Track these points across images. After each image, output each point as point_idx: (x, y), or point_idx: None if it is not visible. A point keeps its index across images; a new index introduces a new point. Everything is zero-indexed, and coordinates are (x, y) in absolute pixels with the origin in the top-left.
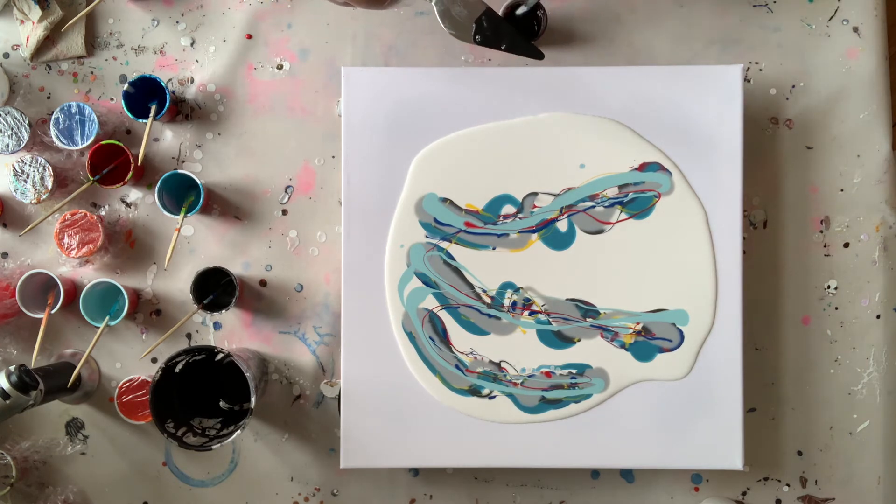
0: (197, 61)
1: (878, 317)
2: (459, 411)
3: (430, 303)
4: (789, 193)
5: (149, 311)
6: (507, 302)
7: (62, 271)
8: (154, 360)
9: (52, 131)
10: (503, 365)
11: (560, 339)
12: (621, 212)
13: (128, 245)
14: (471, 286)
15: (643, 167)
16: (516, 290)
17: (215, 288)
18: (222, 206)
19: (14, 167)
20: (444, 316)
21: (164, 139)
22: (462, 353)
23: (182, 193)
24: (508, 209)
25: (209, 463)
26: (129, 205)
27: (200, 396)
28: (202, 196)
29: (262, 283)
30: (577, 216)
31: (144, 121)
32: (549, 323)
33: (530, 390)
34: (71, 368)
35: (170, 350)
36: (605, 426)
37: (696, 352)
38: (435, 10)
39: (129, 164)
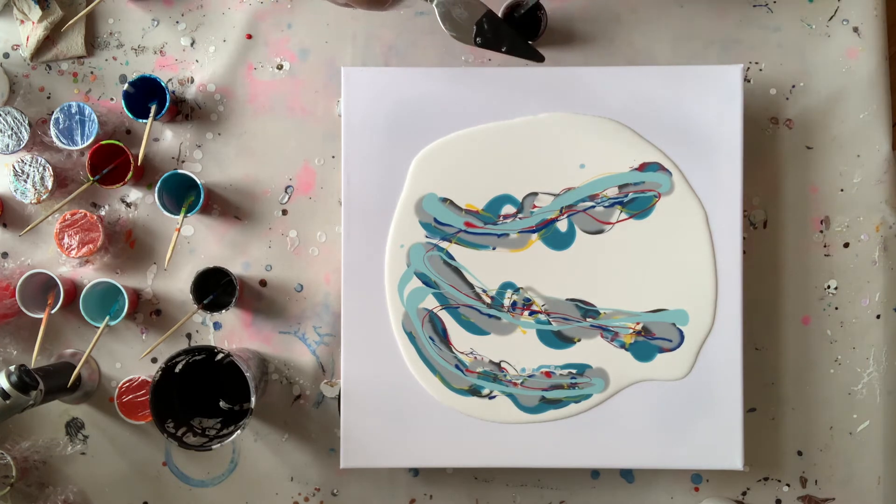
0: (197, 61)
1: (878, 317)
2: (459, 411)
3: (430, 303)
4: (789, 193)
5: (149, 311)
6: (507, 302)
7: (62, 271)
8: (154, 360)
9: (52, 131)
10: (503, 365)
11: (560, 339)
12: (621, 212)
13: (128, 245)
14: (471, 286)
15: (643, 167)
16: (516, 290)
17: (215, 288)
18: (222, 206)
19: (14, 167)
20: (444, 316)
21: (164, 139)
22: (462, 353)
23: (182, 193)
24: (508, 209)
25: (209, 463)
26: (129, 205)
27: (200, 396)
28: (202, 196)
29: (262, 283)
30: (577, 216)
31: (144, 121)
32: (549, 323)
33: (530, 390)
34: (71, 368)
35: (170, 350)
36: (605, 426)
37: (696, 352)
38: (436, 12)
39: (129, 164)
